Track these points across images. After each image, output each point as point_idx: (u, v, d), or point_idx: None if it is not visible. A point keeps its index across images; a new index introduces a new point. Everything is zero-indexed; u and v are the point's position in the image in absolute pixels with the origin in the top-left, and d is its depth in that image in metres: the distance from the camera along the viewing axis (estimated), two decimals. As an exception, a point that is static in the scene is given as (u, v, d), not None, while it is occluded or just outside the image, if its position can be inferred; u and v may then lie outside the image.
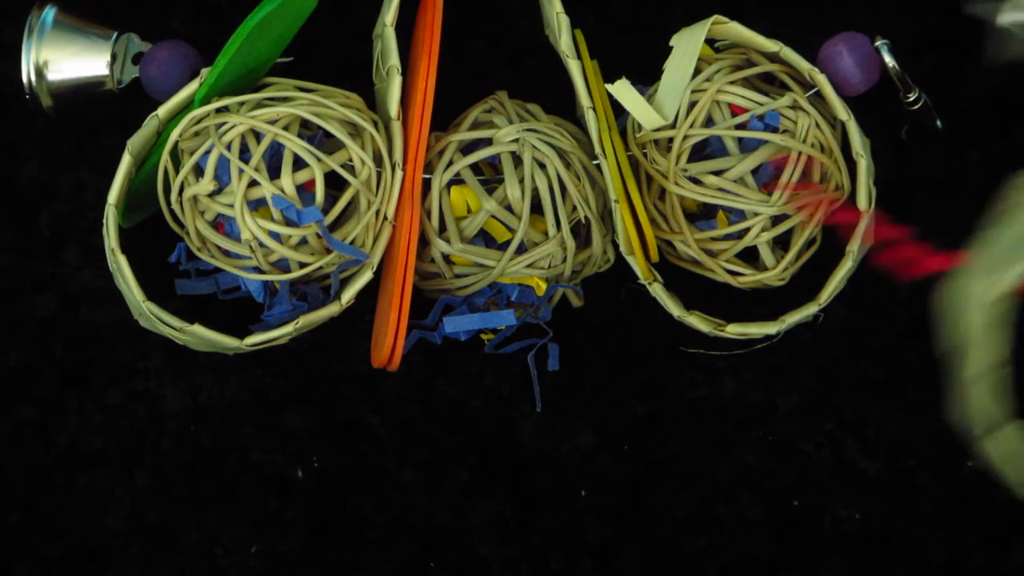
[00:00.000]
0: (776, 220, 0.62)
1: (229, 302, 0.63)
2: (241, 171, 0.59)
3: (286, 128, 0.59)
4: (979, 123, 0.68)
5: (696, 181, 0.61)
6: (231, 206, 0.59)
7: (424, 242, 0.62)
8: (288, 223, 0.59)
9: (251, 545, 0.64)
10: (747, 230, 0.61)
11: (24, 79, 0.64)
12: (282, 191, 0.59)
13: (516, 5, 0.68)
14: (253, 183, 0.59)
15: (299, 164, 0.60)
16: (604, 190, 0.63)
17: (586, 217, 0.62)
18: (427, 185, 0.62)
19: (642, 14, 0.68)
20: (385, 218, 0.61)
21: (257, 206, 0.60)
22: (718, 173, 0.61)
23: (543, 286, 0.62)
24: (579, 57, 0.63)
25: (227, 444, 0.65)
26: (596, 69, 0.64)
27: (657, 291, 0.62)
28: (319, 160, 0.59)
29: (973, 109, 0.68)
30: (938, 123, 0.67)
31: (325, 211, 0.60)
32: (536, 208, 0.62)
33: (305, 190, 0.60)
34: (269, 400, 0.64)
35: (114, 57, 0.64)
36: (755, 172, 0.62)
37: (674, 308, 0.62)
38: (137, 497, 0.65)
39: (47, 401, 0.65)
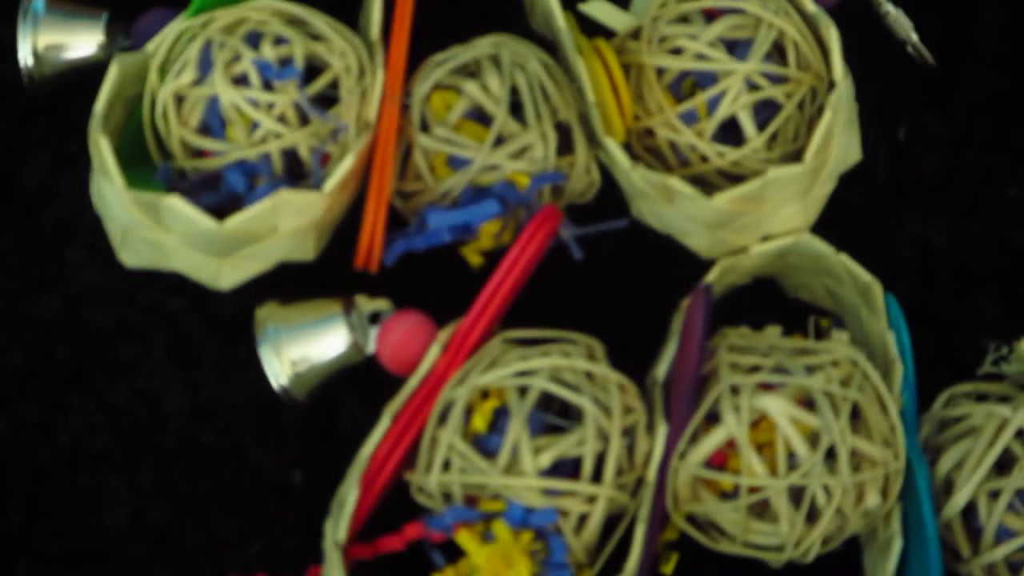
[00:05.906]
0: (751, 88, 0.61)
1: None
2: (223, 44, 0.59)
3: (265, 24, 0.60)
4: (979, 123, 0.68)
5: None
6: (214, 99, 0.59)
7: (406, 159, 0.62)
8: (266, 88, 0.59)
9: (252, 545, 0.65)
10: (723, 95, 0.60)
11: (21, 64, 0.64)
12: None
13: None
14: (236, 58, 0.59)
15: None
16: (586, 112, 0.62)
17: (567, 122, 0.62)
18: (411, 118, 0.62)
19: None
20: (367, 124, 0.61)
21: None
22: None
23: (526, 181, 0.61)
24: None
25: (228, 444, 0.65)
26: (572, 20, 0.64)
27: (639, 174, 0.61)
28: (300, 40, 0.60)
29: (973, 109, 0.68)
30: (908, 46, 0.67)
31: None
32: (518, 120, 0.62)
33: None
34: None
35: (107, 37, 0.65)
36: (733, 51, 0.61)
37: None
38: (139, 496, 0.65)
39: (49, 400, 0.65)
